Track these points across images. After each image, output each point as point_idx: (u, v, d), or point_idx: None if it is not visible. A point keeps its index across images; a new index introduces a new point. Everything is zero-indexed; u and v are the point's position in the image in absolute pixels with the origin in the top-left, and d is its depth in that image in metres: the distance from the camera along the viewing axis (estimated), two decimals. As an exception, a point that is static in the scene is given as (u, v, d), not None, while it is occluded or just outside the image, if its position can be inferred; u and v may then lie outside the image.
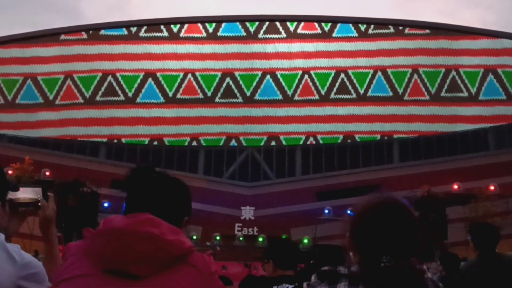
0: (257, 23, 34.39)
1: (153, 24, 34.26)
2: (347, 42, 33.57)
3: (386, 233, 1.75)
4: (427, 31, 33.59)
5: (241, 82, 33.38)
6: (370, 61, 33.14)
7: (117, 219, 1.69)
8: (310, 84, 33.17)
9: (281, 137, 32.49)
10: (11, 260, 1.96)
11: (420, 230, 1.82)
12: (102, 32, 34.17)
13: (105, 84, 33.20)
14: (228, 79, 33.41)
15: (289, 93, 33.14)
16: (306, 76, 33.28)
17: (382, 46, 33.27)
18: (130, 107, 32.76)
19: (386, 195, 1.88)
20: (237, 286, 6.44)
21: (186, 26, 34.27)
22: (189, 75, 33.38)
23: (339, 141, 32.33)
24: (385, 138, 32.22)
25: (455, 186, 22.38)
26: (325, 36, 33.91)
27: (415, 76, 33.03)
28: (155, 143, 32.55)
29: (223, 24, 34.31)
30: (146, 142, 32.45)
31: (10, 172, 19.47)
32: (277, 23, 34.34)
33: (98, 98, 33.04)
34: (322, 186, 28.64)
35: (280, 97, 33.06)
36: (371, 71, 33.16)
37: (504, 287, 4.03)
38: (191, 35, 34.06)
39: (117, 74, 33.35)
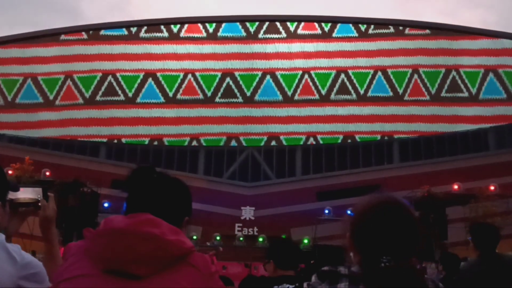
0: (257, 23, 34.40)
1: (153, 24, 34.27)
2: (347, 42, 33.57)
3: (387, 233, 1.75)
4: (427, 31, 33.59)
5: (241, 82, 33.39)
6: (370, 61, 33.14)
7: (118, 219, 1.69)
8: (311, 84, 33.17)
9: (282, 137, 32.49)
10: (11, 260, 1.97)
11: (420, 230, 1.82)
12: (102, 32, 34.18)
13: (105, 84, 33.21)
14: (228, 79, 33.41)
15: (289, 93, 33.15)
16: (306, 76, 33.28)
17: (382, 46, 33.27)
18: (130, 107, 32.77)
19: (386, 195, 1.88)
20: (237, 286, 6.44)
21: (186, 26, 34.28)
22: (189, 76, 33.38)
23: (339, 141, 32.33)
24: (386, 138, 32.22)
25: (455, 186, 22.36)
26: (325, 36, 33.91)
27: (415, 76, 33.03)
28: (155, 143, 32.56)
29: (223, 25, 34.31)
30: (146, 142, 32.45)
31: (10, 172, 19.46)
32: (277, 23, 34.35)
33: (98, 98, 33.05)
34: (322, 186, 28.63)
35: (280, 97, 33.06)
36: (371, 71, 33.16)
37: (504, 287, 4.04)
38: (191, 35, 34.07)
39: (117, 74, 33.36)
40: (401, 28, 33.85)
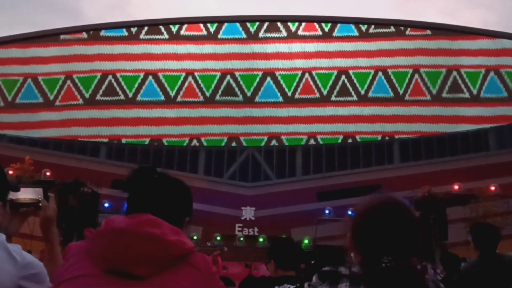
0: (257, 23, 34.41)
1: (153, 25, 34.28)
2: (347, 42, 33.57)
3: (387, 233, 1.75)
4: (428, 31, 33.59)
5: (241, 83, 33.39)
6: (370, 61, 33.14)
7: (119, 220, 1.69)
8: (311, 83, 33.16)
9: (283, 137, 32.49)
10: (12, 260, 1.97)
11: (420, 231, 1.82)
12: (103, 32, 34.19)
13: (105, 84, 33.22)
14: (228, 80, 33.41)
15: (290, 93, 33.15)
16: (306, 75, 33.27)
17: (382, 46, 33.27)
18: (131, 108, 32.77)
19: (387, 196, 1.88)
20: (237, 286, 6.44)
21: (186, 25, 34.31)
22: (190, 77, 33.38)
23: (339, 141, 32.33)
24: (386, 138, 32.21)
25: (456, 187, 22.33)
26: (326, 36, 33.91)
27: (416, 76, 33.03)
28: (156, 143, 32.56)
29: (224, 26, 34.30)
30: (147, 143, 32.45)
31: (10, 172, 19.45)
32: (278, 23, 34.36)
33: (98, 98, 33.06)
34: (322, 186, 28.63)
35: (280, 99, 33.06)
36: (372, 71, 33.16)
37: (504, 287, 4.04)
38: (191, 33, 34.06)
39: (117, 75, 33.37)
40: (402, 28, 33.86)
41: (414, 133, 32.01)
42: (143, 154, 31.51)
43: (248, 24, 34.39)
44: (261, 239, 25.51)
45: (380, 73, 33.09)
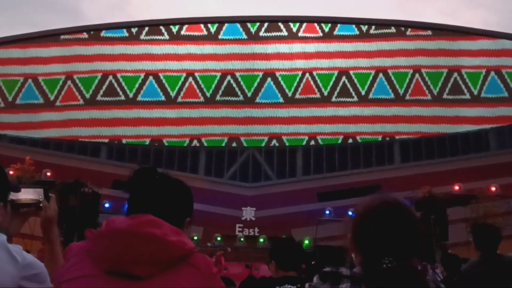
0: (258, 23, 34.42)
1: (153, 25, 34.30)
2: (348, 43, 33.57)
3: (388, 234, 1.75)
4: (428, 32, 33.58)
5: (242, 83, 33.40)
6: (371, 61, 33.14)
7: (120, 220, 1.69)
8: (312, 84, 33.17)
9: (283, 138, 32.49)
10: (12, 260, 1.97)
11: (421, 231, 1.81)
12: (103, 33, 34.21)
13: (106, 84, 33.23)
14: (229, 80, 33.41)
15: (290, 94, 33.15)
16: (307, 76, 33.29)
17: (383, 47, 33.27)
18: (132, 108, 32.78)
19: (387, 196, 1.88)
20: (237, 287, 6.44)
21: (186, 25, 34.33)
22: (190, 77, 33.39)
23: (340, 141, 32.33)
24: (387, 139, 32.20)
25: (456, 187, 22.34)
26: (326, 37, 33.92)
27: (417, 76, 33.02)
28: (157, 144, 32.57)
29: (224, 26, 34.30)
30: (147, 143, 32.46)
31: (11, 172, 19.45)
32: (278, 23, 34.37)
33: (99, 98, 33.07)
34: (323, 186, 28.63)
35: (281, 99, 33.06)
36: (373, 72, 33.16)
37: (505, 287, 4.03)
38: (192, 33, 34.08)
39: (118, 75, 33.38)
40: (402, 28, 33.86)
41: (414, 134, 32.01)
42: (143, 154, 31.53)
43: (249, 25, 34.41)
44: (261, 240, 25.51)
45: (380, 74, 33.09)
